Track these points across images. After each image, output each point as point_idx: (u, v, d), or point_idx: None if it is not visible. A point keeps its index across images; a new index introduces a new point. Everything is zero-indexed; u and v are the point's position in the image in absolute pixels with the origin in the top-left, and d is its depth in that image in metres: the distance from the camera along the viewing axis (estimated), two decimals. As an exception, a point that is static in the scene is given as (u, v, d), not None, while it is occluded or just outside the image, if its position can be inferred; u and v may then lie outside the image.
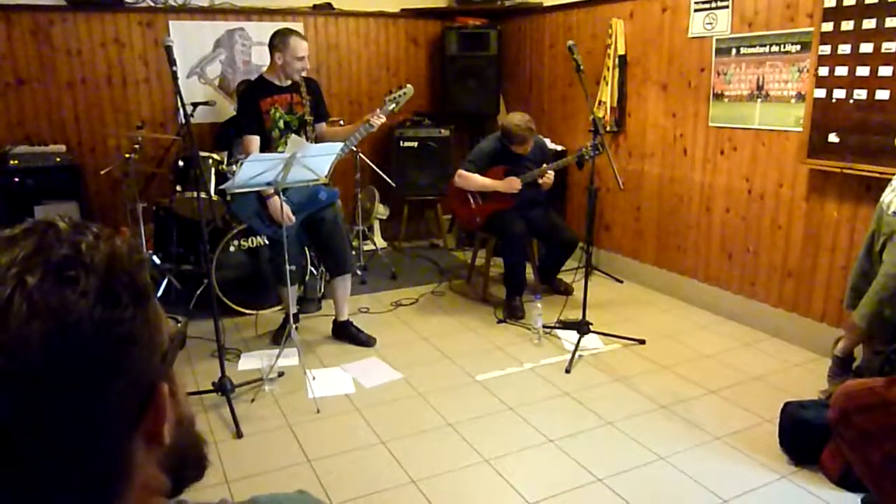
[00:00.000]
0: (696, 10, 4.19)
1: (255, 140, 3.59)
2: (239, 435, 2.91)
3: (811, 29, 3.48)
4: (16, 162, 4.43)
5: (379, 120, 3.66)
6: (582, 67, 3.53)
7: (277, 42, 3.56)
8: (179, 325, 0.64)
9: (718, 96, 4.12)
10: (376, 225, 5.92)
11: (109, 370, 0.53)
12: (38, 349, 0.49)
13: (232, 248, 4.19)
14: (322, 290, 4.61)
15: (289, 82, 3.66)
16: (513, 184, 4.26)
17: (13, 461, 0.51)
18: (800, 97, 3.63)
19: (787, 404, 2.76)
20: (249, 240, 4.24)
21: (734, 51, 3.98)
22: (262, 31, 5.43)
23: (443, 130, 5.79)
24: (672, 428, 2.96)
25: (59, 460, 0.52)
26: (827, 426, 2.52)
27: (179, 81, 2.85)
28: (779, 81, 3.75)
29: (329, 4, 5.64)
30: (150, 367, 0.57)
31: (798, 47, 3.61)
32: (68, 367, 0.50)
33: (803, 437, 2.65)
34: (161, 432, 0.58)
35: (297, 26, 5.39)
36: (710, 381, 3.39)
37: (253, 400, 3.23)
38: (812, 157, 3.53)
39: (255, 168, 3.05)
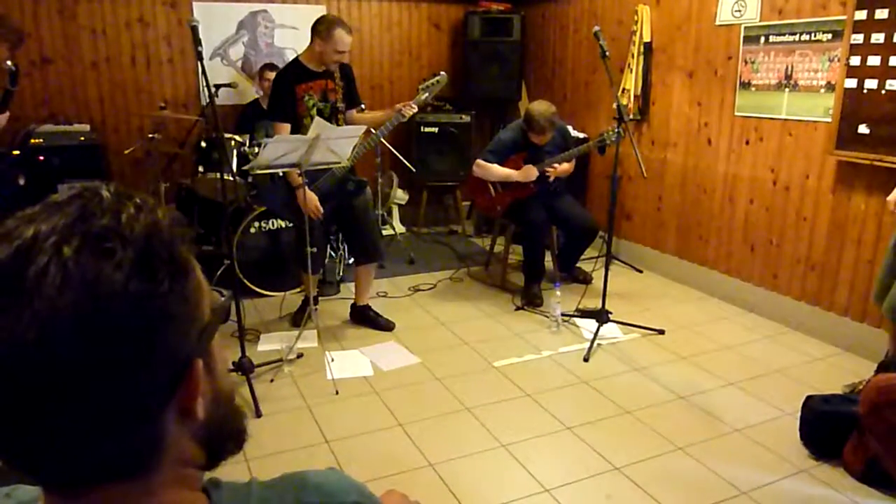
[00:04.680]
0: (724, -3, 4.11)
1: (285, 128, 3.54)
2: (258, 414, 2.94)
3: (844, 17, 3.41)
4: (40, 140, 4.47)
5: (411, 110, 3.60)
6: (608, 53, 3.48)
7: (322, 30, 3.48)
8: (223, 299, 0.63)
9: (745, 85, 4.06)
10: (395, 210, 5.92)
11: (141, 344, 0.52)
12: (70, 320, 0.49)
13: (252, 230, 4.21)
14: (340, 274, 4.63)
15: (323, 68, 3.62)
16: (530, 172, 4.22)
17: (45, 431, 0.51)
18: (829, 87, 3.56)
19: (808, 398, 2.74)
20: (270, 222, 4.26)
21: (763, 39, 3.90)
22: (284, 13, 5.44)
23: (464, 116, 5.77)
24: (690, 419, 2.94)
25: (90, 431, 0.52)
26: (849, 421, 2.50)
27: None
28: (808, 70, 3.68)
29: (352, -13, 5.62)
30: (185, 343, 0.56)
31: (829, 36, 3.54)
32: (99, 339, 0.50)
33: (825, 431, 2.62)
34: (194, 408, 0.58)
35: (320, 9, 5.38)
36: (730, 372, 3.36)
37: (272, 380, 3.26)
38: (841, 149, 3.46)
39: (279, 149, 3.06)
